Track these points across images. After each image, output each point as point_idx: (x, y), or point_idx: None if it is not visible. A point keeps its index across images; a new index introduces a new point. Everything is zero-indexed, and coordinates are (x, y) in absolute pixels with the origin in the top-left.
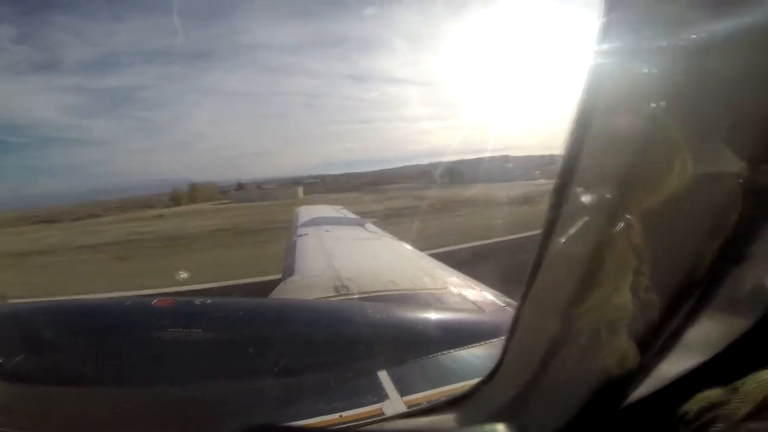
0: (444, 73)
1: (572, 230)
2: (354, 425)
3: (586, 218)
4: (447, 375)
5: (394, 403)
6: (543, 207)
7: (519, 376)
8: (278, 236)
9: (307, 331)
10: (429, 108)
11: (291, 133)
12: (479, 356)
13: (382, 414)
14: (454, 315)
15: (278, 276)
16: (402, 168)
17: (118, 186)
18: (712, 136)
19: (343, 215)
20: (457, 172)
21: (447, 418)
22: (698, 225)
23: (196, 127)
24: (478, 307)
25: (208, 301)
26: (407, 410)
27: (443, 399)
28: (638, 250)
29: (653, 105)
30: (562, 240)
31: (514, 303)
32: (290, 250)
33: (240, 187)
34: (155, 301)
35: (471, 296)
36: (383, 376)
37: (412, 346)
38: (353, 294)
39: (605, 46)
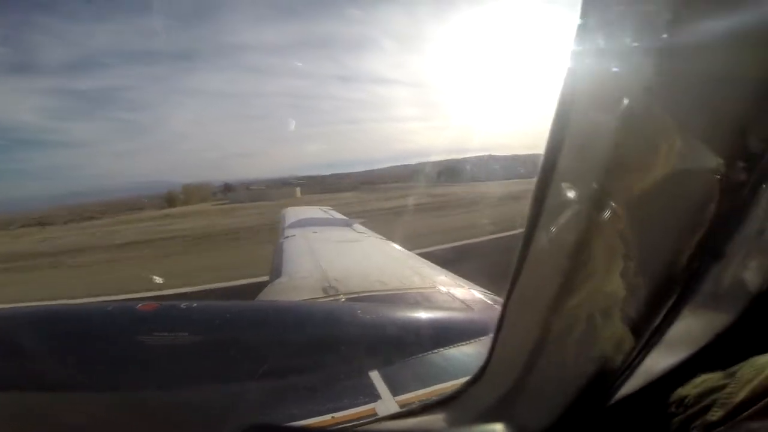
0: (432, 73)
1: (557, 223)
2: (346, 426)
3: (571, 210)
4: (438, 374)
5: (386, 403)
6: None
7: (507, 373)
8: None
9: (295, 332)
10: (417, 108)
11: (277, 133)
12: (470, 354)
13: (375, 414)
14: (443, 314)
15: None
16: (390, 168)
17: (99, 189)
18: (688, 133)
19: (330, 216)
20: (451, 171)
21: (437, 419)
22: (678, 219)
23: (180, 128)
24: (466, 305)
25: (194, 304)
26: (399, 410)
27: (434, 398)
28: (625, 237)
29: (630, 103)
30: (547, 234)
31: (502, 301)
32: (277, 252)
33: (227, 188)
34: (140, 305)
35: (459, 295)
36: (374, 376)
37: (402, 345)
38: (341, 295)
39: (584, 47)
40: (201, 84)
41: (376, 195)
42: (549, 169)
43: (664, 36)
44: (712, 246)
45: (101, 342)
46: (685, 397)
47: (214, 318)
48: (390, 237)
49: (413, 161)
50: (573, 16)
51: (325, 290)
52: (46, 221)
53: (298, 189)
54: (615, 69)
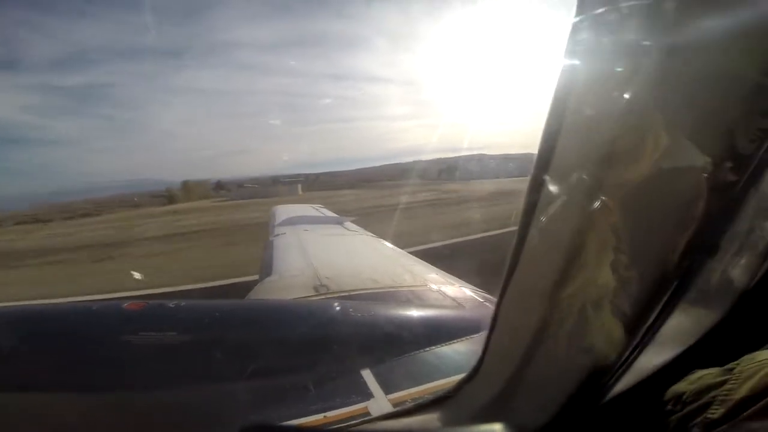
0: (424, 72)
1: (551, 217)
2: (339, 426)
3: (564, 204)
4: (430, 372)
5: (379, 402)
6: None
7: (502, 371)
8: None
9: (286, 331)
10: (409, 107)
11: (269, 131)
12: (461, 352)
13: (368, 413)
14: (434, 312)
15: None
16: (383, 166)
17: (85, 187)
18: (679, 131)
19: (321, 214)
20: (444, 169)
21: (433, 418)
22: (669, 215)
23: (170, 126)
24: (457, 303)
25: (182, 303)
26: (392, 409)
27: (428, 396)
28: (617, 230)
29: (622, 101)
30: (541, 229)
31: (493, 299)
32: (267, 250)
33: (220, 185)
34: (126, 304)
35: (450, 293)
36: (366, 374)
37: (394, 344)
38: (333, 293)
39: (577, 45)
40: (192, 81)
41: (374, 193)
42: (543, 165)
43: (658, 35)
44: (705, 242)
45: (86, 342)
46: (683, 393)
47: (203, 317)
48: (390, 235)
49: (406, 159)
50: (567, 15)
51: (316, 288)
52: (41, 218)
53: (299, 186)
54: (608, 67)
